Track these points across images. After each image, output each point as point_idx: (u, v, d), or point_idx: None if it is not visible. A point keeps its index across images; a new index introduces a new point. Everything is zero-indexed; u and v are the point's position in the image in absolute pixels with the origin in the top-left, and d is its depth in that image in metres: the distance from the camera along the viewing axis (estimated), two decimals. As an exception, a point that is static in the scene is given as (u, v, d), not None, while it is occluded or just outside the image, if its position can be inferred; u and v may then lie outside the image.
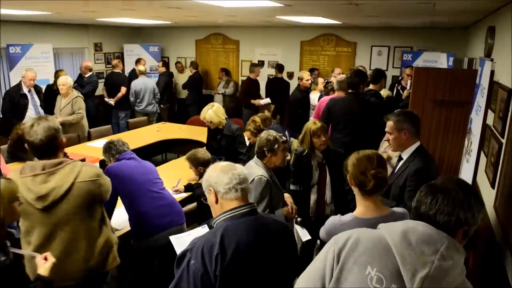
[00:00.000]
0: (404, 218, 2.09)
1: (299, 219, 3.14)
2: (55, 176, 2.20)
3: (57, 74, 6.71)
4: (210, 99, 8.63)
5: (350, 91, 4.39)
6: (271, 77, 8.29)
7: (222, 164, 1.87)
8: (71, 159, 2.49)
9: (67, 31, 8.38)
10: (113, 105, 7.72)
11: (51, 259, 1.97)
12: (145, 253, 3.12)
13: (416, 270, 1.20)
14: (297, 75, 6.10)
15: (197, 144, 5.75)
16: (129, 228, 3.15)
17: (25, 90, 5.98)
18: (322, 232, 2.23)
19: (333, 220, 2.15)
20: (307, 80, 5.97)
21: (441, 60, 6.69)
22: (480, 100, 3.12)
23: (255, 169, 2.80)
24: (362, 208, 2.08)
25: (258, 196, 2.72)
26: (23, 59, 7.25)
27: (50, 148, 2.21)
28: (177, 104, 9.46)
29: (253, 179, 2.74)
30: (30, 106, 5.98)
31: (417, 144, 2.69)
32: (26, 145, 2.24)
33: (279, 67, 7.92)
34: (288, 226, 1.96)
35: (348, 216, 2.10)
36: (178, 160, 5.27)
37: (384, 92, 5.49)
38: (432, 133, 4.05)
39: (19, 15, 5.98)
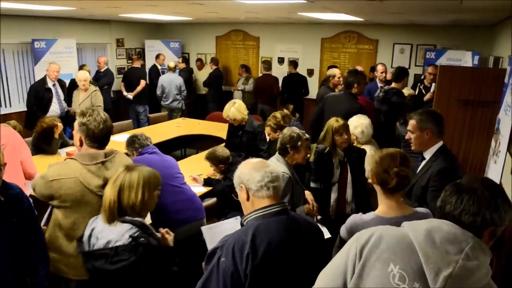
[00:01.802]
0: (427, 218, 2.06)
1: (319, 217, 3.13)
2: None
3: (81, 69, 6.84)
4: (230, 95, 8.66)
5: (345, 89, 4.44)
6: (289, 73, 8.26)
7: (254, 161, 1.85)
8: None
9: (90, 26, 8.50)
10: (131, 99, 7.82)
11: (171, 233, 2.28)
12: (166, 248, 3.15)
13: (440, 269, 1.18)
14: (328, 72, 5.87)
15: (216, 140, 5.77)
16: (149, 221, 3.18)
17: (49, 84, 6.10)
18: (343, 230, 2.22)
19: (354, 218, 2.14)
20: (339, 77, 5.80)
21: (465, 59, 6.54)
22: (510, 99, 3.04)
23: (276, 166, 2.79)
24: (384, 206, 2.07)
25: (280, 193, 2.71)
26: (48, 54, 7.40)
27: (107, 137, 2.33)
28: (197, 100, 9.52)
29: (275, 175, 2.74)
30: (54, 100, 6.10)
31: (440, 144, 2.65)
32: (81, 134, 2.26)
33: (294, 63, 7.90)
34: (319, 227, 1.93)
35: (369, 215, 2.08)
36: (197, 156, 5.30)
37: (407, 91, 5.41)
38: (456, 133, 3.98)
39: (44, 10, 6.10)
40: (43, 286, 2.18)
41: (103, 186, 2.16)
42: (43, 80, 6.15)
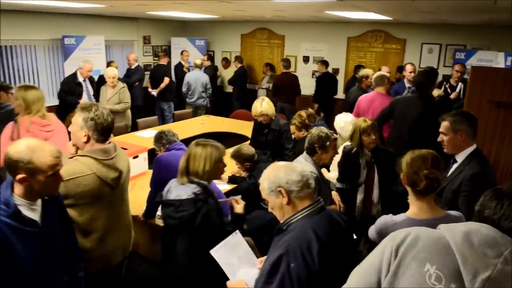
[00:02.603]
0: (460, 221, 2.02)
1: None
2: (120, 156, 2.38)
3: (109, 65, 6.97)
4: (254, 94, 8.68)
5: (415, 92, 4.16)
6: (316, 73, 8.21)
7: (282, 164, 1.85)
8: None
9: (118, 24, 8.65)
10: (155, 96, 7.90)
11: (241, 201, 2.58)
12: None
13: (478, 272, 1.17)
14: (360, 73, 5.69)
15: (240, 137, 5.79)
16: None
17: (80, 79, 6.24)
18: (372, 231, 2.19)
19: (385, 219, 2.11)
20: (372, 78, 5.69)
21: (498, 60, 6.35)
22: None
23: (304, 165, 2.77)
24: (415, 208, 2.04)
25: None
26: (77, 50, 7.56)
27: (111, 131, 2.34)
28: (221, 97, 9.57)
29: (302, 175, 2.73)
30: (84, 95, 6.24)
31: (473, 147, 2.59)
32: (87, 129, 2.23)
33: (325, 63, 7.86)
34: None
35: (400, 216, 2.05)
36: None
37: (436, 92, 5.29)
38: (487, 135, 3.88)
39: (74, 7, 6.23)
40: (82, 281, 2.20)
41: (118, 177, 2.32)
42: (74, 75, 6.30)
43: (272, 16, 7.52)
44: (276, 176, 1.77)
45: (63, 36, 7.41)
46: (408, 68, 6.04)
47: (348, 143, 3.39)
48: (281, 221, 1.78)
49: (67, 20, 7.58)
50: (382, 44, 8.22)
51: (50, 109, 6.90)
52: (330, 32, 8.60)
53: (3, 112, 3.77)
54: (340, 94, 8.40)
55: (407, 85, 5.95)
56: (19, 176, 1.70)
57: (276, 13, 6.40)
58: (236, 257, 2.07)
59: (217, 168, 2.44)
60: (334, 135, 2.87)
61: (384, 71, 6.73)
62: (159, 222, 3.31)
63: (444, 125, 2.61)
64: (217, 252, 2.04)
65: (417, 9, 4.53)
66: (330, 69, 8.57)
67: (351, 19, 7.22)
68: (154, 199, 3.20)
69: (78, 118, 2.23)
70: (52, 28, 7.39)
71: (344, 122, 3.95)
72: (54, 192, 1.88)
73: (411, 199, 2.06)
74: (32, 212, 1.80)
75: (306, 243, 1.60)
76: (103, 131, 2.25)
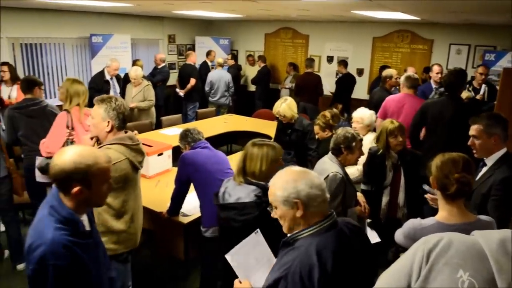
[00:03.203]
0: (491, 226, 1.97)
1: (368, 220, 3.06)
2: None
3: (134, 64, 7.07)
4: (277, 93, 8.67)
5: (446, 93, 4.06)
6: (339, 73, 8.15)
7: (299, 171, 1.67)
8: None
9: (144, 22, 8.77)
10: (182, 96, 7.97)
11: None
12: (212, 240, 3.19)
13: None
14: (384, 73, 5.59)
15: (262, 137, 5.78)
16: (199, 214, 3.24)
17: (107, 77, 6.36)
18: (399, 235, 2.15)
19: (413, 223, 2.07)
20: (396, 78, 5.53)
21: (530, 61, 6.17)
22: None
23: (329, 166, 2.75)
24: (445, 212, 1.99)
25: (332, 193, 2.67)
26: (104, 48, 7.71)
27: (128, 120, 2.55)
28: (243, 96, 9.58)
29: (328, 175, 2.70)
30: (111, 92, 6.35)
31: (504, 150, 2.51)
32: (110, 119, 2.40)
33: (344, 63, 7.81)
34: (365, 234, 1.83)
35: (429, 220, 2.01)
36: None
37: (465, 93, 5.16)
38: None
39: (102, 6, 6.35)
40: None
41: (143, 160, 2.56)
42: (102, 73, 6.43)
43: (297, 16, 7.49)
44: (296, 186, 1.59)
45: (91, 34, 7.57)
46: (435, 69, 5.91)
47: (373, 143, 3.34)
48: (288, 234, 1.64)
49: (95, 19, 7.74)
50: (409, 44, 8.08)
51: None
52: (355, 32, 8.51)
53: (37, 108, 3.87)
54: (364, 95, 8.31)
55: (434, 86, 5.82)
56: (75, 189, 1.58)
57: (301, 12, 6.36)
58: (253, 258, 1.95)
59: (273, 168, 2.40)
60: (360, 135, 2.84)
61: (410, 72, 6.63)
62: (183, 219, 3.34)
63: (477, 128, 2.54)
64: (233, 256, 1.93)
65: (446, 9, 4.43)
66: (354, 70, 8.51)
67: (377, 19, 7.13)
68: (178, 196, 3.24)
69: (98, 110, 2.39)
70: (80, 26, 7.55)
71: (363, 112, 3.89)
72: (104, 201, 1.79)
73: (441, 203, 2.01)
74: (85, 223, 1.74)
75: (307, 269, 1.48)
76: (124, 119, 2.44)
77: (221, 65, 7.96)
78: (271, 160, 2.42)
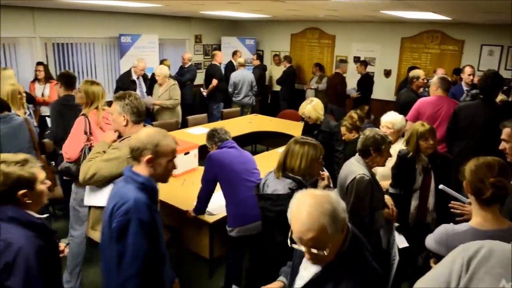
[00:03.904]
0: (527, 234, 1.90)
1: (396, 224, 3.00)
2: None
3: (162, 63, 7.16)
4: (302, 94, 8.62)
5: (480, 96, 3.94)
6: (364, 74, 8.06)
7: (334, 196, 1.50)
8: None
9: (172, 23, 8.87)
10: (205, 96, 8.01)
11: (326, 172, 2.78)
12: (237, 240, 3.20)
13: None
14: (411, 74, 5.42)
15: (287, 137, 5.76)
16: (225, 213, 3.25)
17: (134, 77, 6.47)
18: (430, 241, 2.09)
19: (445, 228, 2.01)
20: (423, 79, 5.37)
21: None
22: None
23: (356, 167, 2.71)
24: (479, 218, 1.92)
25: (359, 195, 2.64)
26: (132, 48, 7.85)
27: (145, 113, 2.69)
28: (270, 97, 9.58)
29: (354, 177, 2.66)
30: (137, 91, 6.45)
31: (537, 153, 2.42)
32: (125, 114, 2.57)
33: (365, 63, 7.72)
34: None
35: (462, 226, 1.95)
36: (268, 153, 5.33)
37: (499, 96, 4.99)
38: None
39: (131, 7, 6.46)
40: None
41: None
42: (129, 73, 6.54)
43: (324, 16, 7.43)
44: (342, 211, 1.46)
45: (120, 34, 7.71)
46: (467, 70, 5.75)
47: (403, 146, 3.27)
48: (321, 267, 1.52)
49: (124, 19, 7.88)
50: (438, 45, 7.90)
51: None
52: (383, 32, 8.38)
53: (70, 106, 3.95)
54: (391, 96, 8.18)
55: (465, 88, 5.67)
56: (147, 157, 1.91)
57: (329, 12, 6.31)
58: None
59: (312, 167, 2.51)
60: (389, 138, 2.78)
61: (440, 73, 6.47)
62: (208, 218, 3.36)
63: (507, 132, 2.47)
64: None
65: (479, 9, 4.30)
66: (381, 70, 8.40)
67: (406, 19, 6.99)
68: (205, 195, 3.26)
69: (116, 106, 2.57)
70: (110, 27, 7.70)
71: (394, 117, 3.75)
72: (168, 178, 2.06)
73: (475, 208, 1.95)
74: None
75: None
76: (139, 113, 2.59)
77: (243, 65, 7.95)
78: (311, 159, 2.49)
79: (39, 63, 6.17)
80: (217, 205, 3.40)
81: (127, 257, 1.83)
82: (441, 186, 2.65)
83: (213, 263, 3.76)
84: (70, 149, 3.27)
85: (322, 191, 1.54)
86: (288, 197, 2.32)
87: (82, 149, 3.23)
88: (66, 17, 7.03)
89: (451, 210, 2.38)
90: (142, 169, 1.94)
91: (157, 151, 1.92)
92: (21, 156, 1.78)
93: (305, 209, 1.42)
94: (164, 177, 2.04)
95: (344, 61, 7.87)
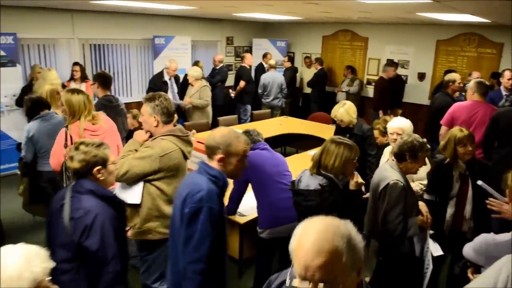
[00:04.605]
0: None
1: (431, 231, 2.93)
2: None
3: (195, 65, 7.27)
4: (333, 96, 8.55)
5: None
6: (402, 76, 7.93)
7: (356, 233, 1.16)
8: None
9: (204, 25, 8.97)
10: (233, 97, 8.04)
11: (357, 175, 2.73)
12: (268, 242, 3.20)
13: None
14: (446, 77, 5.30)
15: (317, 140, 5.72)
16: (256, 215, 3.26)
17: (166, 78, 6.59)
18: (469, 250, 2.03)
19: (485, 238, 1.95)
20: (460, 83, 5.23)
21: None
22: None
23: (390, 173, 2.67)
24: (521, 229, 1.86)
25: (392, 202, 2.59)
26: (166, 50, 7.98)
27: (174, 113, 2.79)
28: (298, 99, 9.53)
29: (388, 183, 2.62)
30: (169, 92, 6.57)
31: None
32: (156, 114, 2.66)
33: (396, 65, 7.58)
34: None
35: (504, 236, 1.89)
36: (298, 155, 5.31)
37: (540, 102, 4.80)
38: None
39: (165, 9, 6.57)
40: None
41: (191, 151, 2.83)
42: (161, 74, 6.67)
43: (358, 18, 7.34)
44: (360, 247, 1.14)
45: (154, 36, 7.86)
46: (507, 74, 5.54)
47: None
48: None
49: (158, 21, 8.03)
50: (476, 48, 7.65)
51: (138, 104, 7.43)
52: (417, 34, 8.19)
53: (117, 105, 4.03)
54: (426, 100, 7.99)
55: (504, 93, 5.47)
56: (218, 156, 2.03)
57: (362, 14, 6.23)
58: None
59: (345, 167, 2.55)
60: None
61: (475, 76, 6.27)
62: (239, 219, 3.38)
63: None
64: None
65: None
66: (415, 74, 8.22)
67: (441, 21, 6.82)
68: (236, 196, 3.27)
69: (146, 107, 2.66)
70: (144, 28, 7.86)
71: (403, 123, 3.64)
72: (239, 175, 2.19)
73: (517, 218, 1.89)
74: None
75: None
76: (169, 114, 2.68)
77: (274, 67, 7.95)
78: (345, 159, 2.52)
79: (75, 63, 6.38)
80: (248, 206, 3.41)
81: (193, 241, 1.95)
82: (479, 182, 2.60)
83: (242, 264, 3.77)
84: (52, 158, 3.24)
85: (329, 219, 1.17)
86: (317, 193, 2.49)
87: (62, 163, 3.14)
88: (103, 19, 7.23)
89: (488, 206, 2.31)
90: (214, 165, 2.07)
91: (228, 151, 2.04)
92: (96, 140, 2.15)
93: (313, 231, 1.10)
94: (235, 175, 2.17)
95: (390, 64, 7.66)
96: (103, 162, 2.07)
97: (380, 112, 7.10)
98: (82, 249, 1.92)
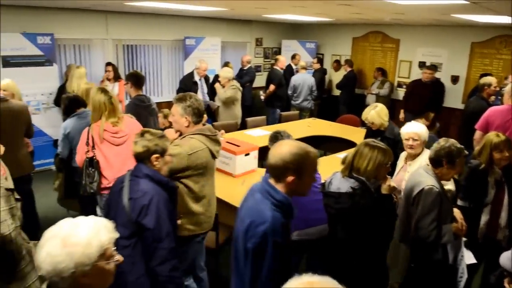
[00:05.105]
0: None
1: (464, 239, 2.86)
2: None
3: (225, 65, 7.33)
4: (362, 99, 8.45)
5: None
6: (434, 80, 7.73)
7: None
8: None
9: (234, 26, 9.04)
10: (263, 100, 8.05)
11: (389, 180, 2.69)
12: (296, 243, 3.19)
13: None
14: (482, 81, 5.18)
15: (345, 143, 5.66)
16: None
17: (196, 78, 6.68)
18: (506, 259, 1.97)
19: (524, 248, 1.89)
20: (495, 87, 5.12)
21: None
22: None
23: (425, 178, 2.62)
24: None
25: (426, 208, 2.54)
26: (196, 50, 8.09)
27: (204, 113, 2.82)
28: (327, 101, 9.46)
29: (422, 188, 2.57)
30: (199, 92, 6.65)
31: None
32: (187, 115, 2.71)
33: (435, 68, 7.44)
34: None
35: (544, 247, 1.82)
36: (326, 158, 5.27)
37: None
38: None
39: (196, 10, 6.65)
40: None
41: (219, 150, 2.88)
42: (191, 74, 6.76)
43: (390, 20, 7.23)
44: None
45: (185, 37, 7.97)
46: None
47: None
48: None
49: (189, 23, 8.15)
50: (513, 50, 7.41)
51: (169, 104, 7.56)
52: (451, 36, 7.99)
53: (149, 105, 4.09)
54: (459, 104, 7.79)
55: (543, 98, 5.26)
56: (289, 179, 1.78)
57: (395, 16, 6.13)
58: None
59: (378, 171, 2.53)
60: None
61: (510, 81, 6.06)
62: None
63: None
64: None
65: None
66: (448, 77, 8.03)
67: (476, 23, 6.63)
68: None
69: (177, 108, 2.71)
70: (175, 29, 8.00)
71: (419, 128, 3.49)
72: (308, 192, 1.93)
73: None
74: None
75: None
76: (200, 114, 2.73)
77: (305, 68, 7.92)
78: (378, 163, 2.50)
79: (108, 63, 6.54)
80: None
81: (262, 277, 1.80)
82: None
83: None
84: (77, 156, 3.35)
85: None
86: (349, 196, 2.48)
87: (84, 160, 3.23)
88: (136, 20, 7.40)
89: None
90: (281, 187, 1.82)
91: (300, 172, 1.79)
92: (160, 132, 2.35)
93: None
94: (304, 192, 1.92)
95: (427, 66, 7.48)
96: (162, 152, 2.27)
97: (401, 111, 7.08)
98: (140, 226, 2.11)
